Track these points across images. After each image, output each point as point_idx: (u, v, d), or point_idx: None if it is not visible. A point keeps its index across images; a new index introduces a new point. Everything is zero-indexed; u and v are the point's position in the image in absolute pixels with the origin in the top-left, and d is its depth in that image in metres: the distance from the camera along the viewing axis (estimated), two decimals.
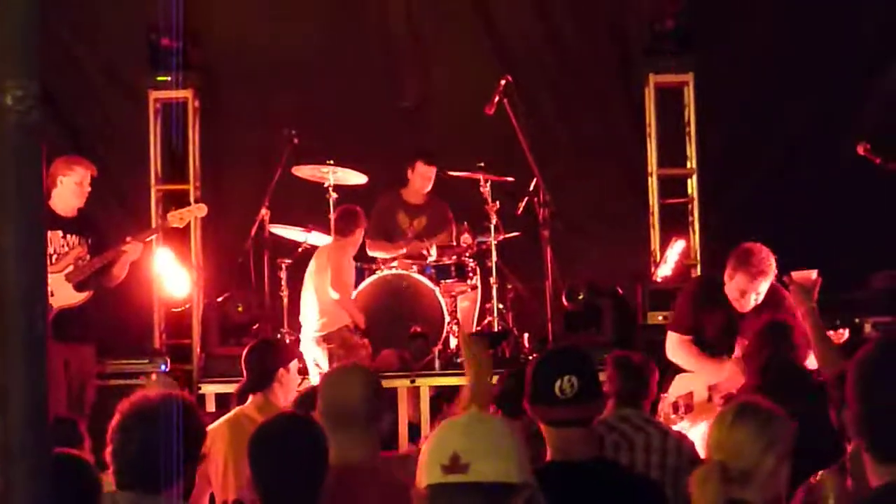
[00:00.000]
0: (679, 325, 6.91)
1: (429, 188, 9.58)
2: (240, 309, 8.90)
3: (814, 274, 5.83)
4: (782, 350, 5.66)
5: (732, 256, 6.64)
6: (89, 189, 7.89)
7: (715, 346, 6.80)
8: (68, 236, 7.78)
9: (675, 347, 6.87)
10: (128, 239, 7.80)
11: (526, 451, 2.67)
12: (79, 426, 4.97)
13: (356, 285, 8.77)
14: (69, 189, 7.77)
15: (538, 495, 2.64)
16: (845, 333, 6.92)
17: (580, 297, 8.81)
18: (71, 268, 7.70)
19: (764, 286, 6.55)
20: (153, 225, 9.06)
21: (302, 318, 8.67)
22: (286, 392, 5.54)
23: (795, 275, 5.81)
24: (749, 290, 6.55)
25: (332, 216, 8.83)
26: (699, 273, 9.56)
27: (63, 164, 7.81)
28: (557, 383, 3.76)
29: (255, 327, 8.96)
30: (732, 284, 6.59)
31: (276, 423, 3.71)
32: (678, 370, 6.76)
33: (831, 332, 6.81)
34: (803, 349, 5.67)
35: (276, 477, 3.46)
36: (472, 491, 2.56)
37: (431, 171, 9.51)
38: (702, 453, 4.58)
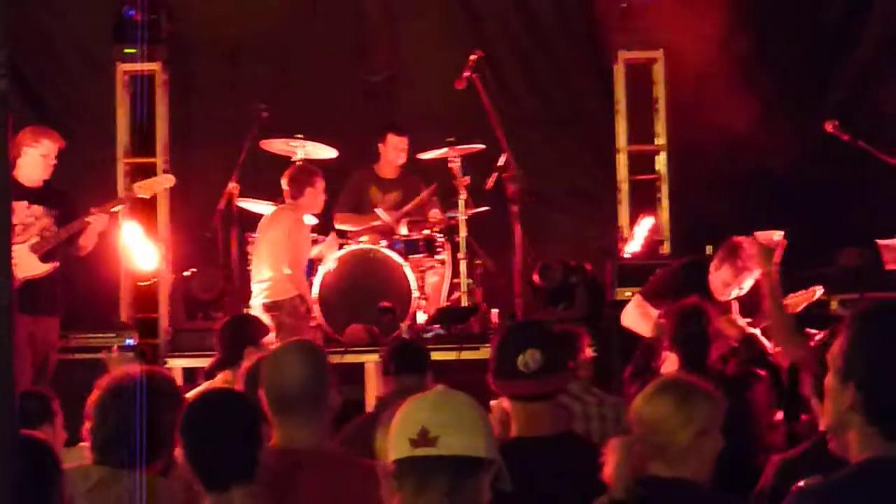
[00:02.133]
0: (650, 295, 6.94)
1: (402, 160, 9.55)
2: (206, 287, 8.86)
3: (777, 235, 5.81)
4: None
5: (721, 248, 6.72)
6: (55, 162, 7.81)
7: None
8: (33, 207, 7.69)
9: (636, 313, 6.90)
10: (92, 209, 7.74)
11: (492, 426, 2.67)
12: (51, 402, 4.93)
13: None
14: (34, 160, 7.69)
15: (504, 471, 2.65)
16: (818, 291, 6.96)
17: (552, 274, 8.81)
18: (36, 238, 7.63)
19: (748, 283, 6.61)
20: (120, 196, 8.99)
21: (252, 285, 8.53)
22: None
23: (759, 234, 5.79)
24: (733, 284, 6.64)
25: (284, 177, 8.65)
26: (668, 250, 9.59)
27: (30, 134, 7.72)
28: (520, 358, 3.76)
29: (222, 301, 8.92)
30: (717, 276, 6.68)
31: (203, 399, 3.63)
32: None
33: (801, 292, 6.88)
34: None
35: (205, 453, 3.37)
36: (440, 464, 2.56)
37: (403, 142, 9.47)
38: None
